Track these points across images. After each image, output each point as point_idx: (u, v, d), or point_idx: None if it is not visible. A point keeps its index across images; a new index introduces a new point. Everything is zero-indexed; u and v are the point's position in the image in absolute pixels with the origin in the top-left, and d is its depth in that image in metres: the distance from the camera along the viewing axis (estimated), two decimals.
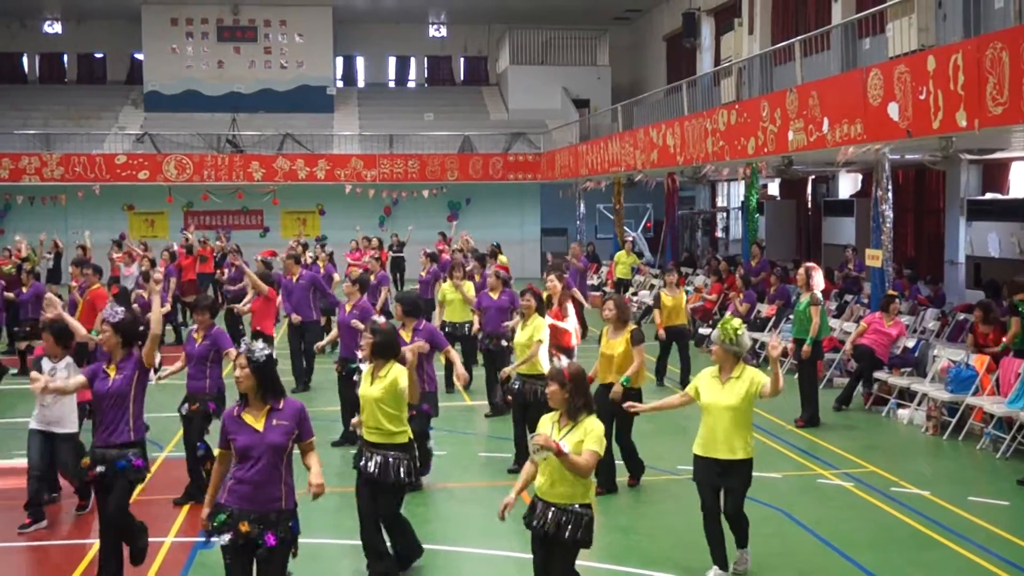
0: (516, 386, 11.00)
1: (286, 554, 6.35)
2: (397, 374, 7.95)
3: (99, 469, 7.70)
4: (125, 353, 7.82)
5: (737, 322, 8.04)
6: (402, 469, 7.92)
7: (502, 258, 22.13)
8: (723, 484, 8.06)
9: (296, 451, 6.48)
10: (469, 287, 15.87)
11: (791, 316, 17.92)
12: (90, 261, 15.82)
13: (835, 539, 9.14)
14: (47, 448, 9.68)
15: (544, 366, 10.67)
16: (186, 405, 10.30)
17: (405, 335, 10.07)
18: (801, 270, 14.12)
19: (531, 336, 10.99)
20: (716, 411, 7.94)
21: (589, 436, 6.44)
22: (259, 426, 6.29)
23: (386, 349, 8.08)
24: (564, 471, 6.39)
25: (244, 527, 6.19)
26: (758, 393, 7.90)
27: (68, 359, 9.67)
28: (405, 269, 29.99)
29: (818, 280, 13.83)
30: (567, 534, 6.42)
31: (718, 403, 7.94)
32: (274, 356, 6.46)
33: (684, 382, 15.10)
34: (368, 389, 7.99)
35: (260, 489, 6.25)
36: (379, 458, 7.87)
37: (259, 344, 6.41)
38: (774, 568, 8.54)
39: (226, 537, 6.21)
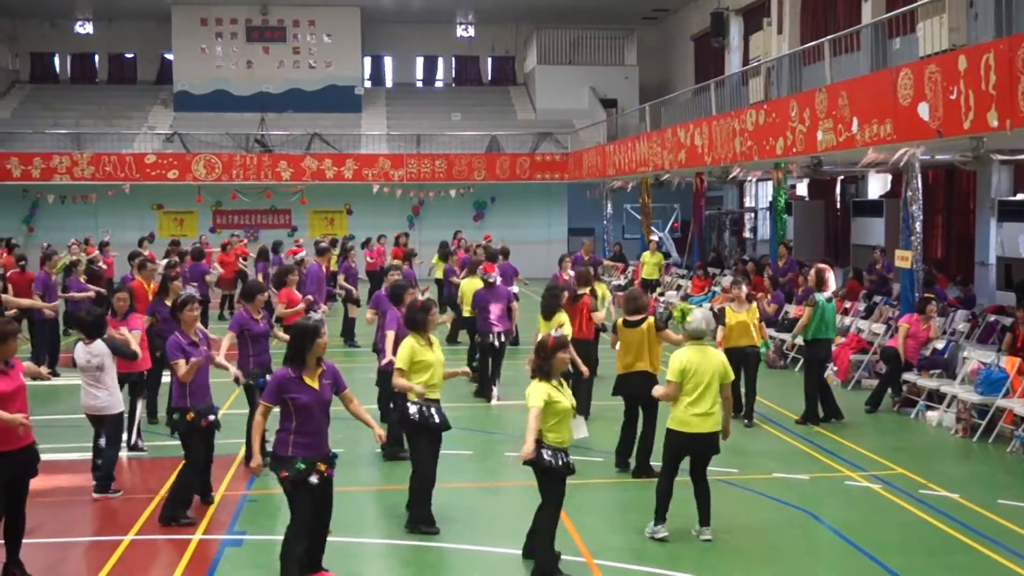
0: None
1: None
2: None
3: (212, 417, 9.85)
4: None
5: (688, 307, 9.20)
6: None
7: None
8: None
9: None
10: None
11: None
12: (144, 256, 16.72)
13: (862, 541, 9.09)
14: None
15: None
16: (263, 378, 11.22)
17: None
18: (812, 272, 14.13)
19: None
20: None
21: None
22: (316, 385, 7.65)
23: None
24: None
25: (322, 467, 7.63)
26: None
27: (100, 342, 10.53)
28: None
29: (830, 280, 13.86)
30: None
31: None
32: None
33: (748, 414, 13.61)
34: (439, 355, 9.59)
35: (321, 437, 7.71)
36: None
37: (318, 315, 7.96)
38: (802, 571, 8.51)
39: (314, 479, 7.55)
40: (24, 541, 8.30)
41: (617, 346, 11.40)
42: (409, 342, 9.49)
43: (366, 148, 36.59)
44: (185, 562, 8.62)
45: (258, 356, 11.29)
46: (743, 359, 13.27)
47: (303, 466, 7.53)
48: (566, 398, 8.14)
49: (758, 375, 13.77)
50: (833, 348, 14.29)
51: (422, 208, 36.95)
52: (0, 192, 34.31)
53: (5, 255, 23.76)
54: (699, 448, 9.00)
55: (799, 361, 17.77)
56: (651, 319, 11.16)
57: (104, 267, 23.42)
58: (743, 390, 13.48)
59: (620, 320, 11.29)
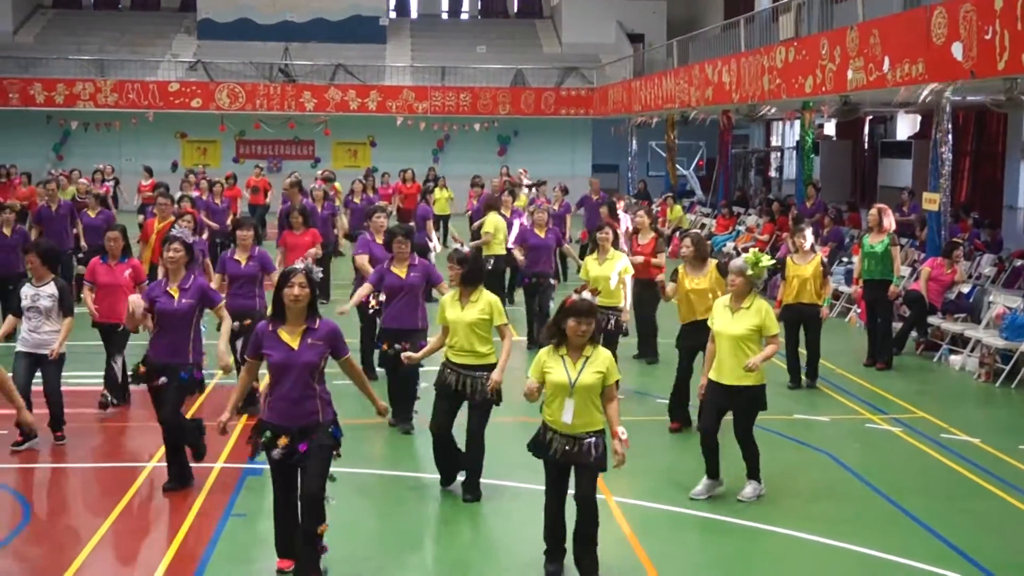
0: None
1: (326, 457, 6.69)
2: (491, 298, 8.50)
3: (162, 380, 8.40)
4: (185, 274, 8.59)
5: (767, 259, 8.53)
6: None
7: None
8: (729, 407, 8.53)
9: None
10: (482, 221, 15.83)
11: (843, 258, 17.78)
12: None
13: (882, 484, 9.08)
14: (33, 370, 9.77)
15: (624, 298, 11.54)
16: (237, 323, 10.39)
17: (400, 271, 10.12)
18: (873, 211, 13.65)
19: (611, 270, 11.48)
20: (724, 339, 8.41)
21: (611, 367, 6.88)
22: (294, 344, 6.59)
23: (475, 276, 8.49)
24: (590, 407, 6.83)
25: (283, 441, 6.59)
26: (764, 333, 8.39)
27: (53, 287, 9.73)
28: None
29: (889, 222, 13.54)
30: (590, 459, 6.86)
31: (725, 331, 8.41)
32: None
33: (811, 374, 12.48)
34: (461, 314, 8.38)
35: (296, 405, 6.62)
36: (470, 379, 8.38)
37: (317, 266, 6.84)
38: (820, 511, 8.51)
39: (275, 453, 6.62)
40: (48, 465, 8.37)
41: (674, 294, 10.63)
42: (443, 297, 8.72)
43: (390, 80, 36.36)
44: (207, 489, 8.69)
45: (233, 299, 10.56)
46: (801, 317, 12.28)
47: (269, 435, 6.66)
48: (566, 370, 6.83)
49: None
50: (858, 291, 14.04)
51: (446, 142, 36.76)
52: (24, 118, 34.36)
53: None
54: (737, 401, 8.48)
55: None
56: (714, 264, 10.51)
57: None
58: (808, 356, 12.50)
59: (681, 267, 10.62)
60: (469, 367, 8.39)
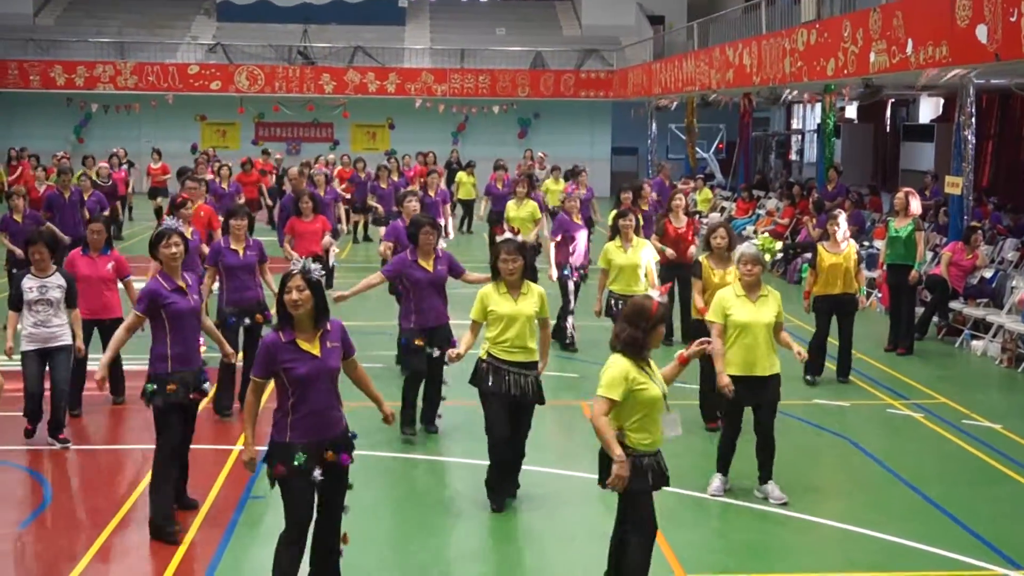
0: (618, 307, 10.63)
1: (347, 473, 6.29)
2: (540, 289, 7.99)
3: (206, 386, 7.72)
4: (183, 270, 7.86)
5: (777, 244, 8.34)
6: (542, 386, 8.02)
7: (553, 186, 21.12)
8: (757, 400, 8.22)
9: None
10: (533, 207, 15.17)
11: (864, 242, 17.67)
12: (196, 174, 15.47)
13: (903, 470, 9.02)
14: (44, 368, 9.28)
15: (652, 284, 11.28)
16: (247, 319, 10.12)
17: (427, 264, 9.44)
18: (900, 194, 13.54)
19: (638, 257, 11.20)
20: (756, 329, 8.07)
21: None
22: (316, 351, 6.01)
23: (532, 267, 8.17)
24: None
25: (330, 456, 6.05)
26: (779, 319, 8.23)
27: (59, 277, 9.24)
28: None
29: (916, 206, 13.45)
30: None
31: (759, 321, 8.08)
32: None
33: (843, 371, 11.96)
34: (518, 307, 7.80)
35: (327, 415, 6.09)
36: (524, 378, 7.82)
37: (316, 264, 6.11)
38: (840, 498, 8.49)
39: (317, 473, 6.01)
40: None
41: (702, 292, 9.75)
42: (484, 290, 7.98)
43: (409, 62, 36.31)
44: (225, 473, 8.71)
45: (234, 292, 10.18)
46: (838, 307, 11.67)
47: (304, 457, 5.96)
48: (656, 382, 6.11)
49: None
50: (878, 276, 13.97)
51: (467, 125, 36.66)
52: (45, 101, 34.54)
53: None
54: (769, 389, 8.23)
55: None
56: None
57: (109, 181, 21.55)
58: (840, 347, 11.92)
59: (704, 259, 10.02)
60: (522, 364, 7.80)
